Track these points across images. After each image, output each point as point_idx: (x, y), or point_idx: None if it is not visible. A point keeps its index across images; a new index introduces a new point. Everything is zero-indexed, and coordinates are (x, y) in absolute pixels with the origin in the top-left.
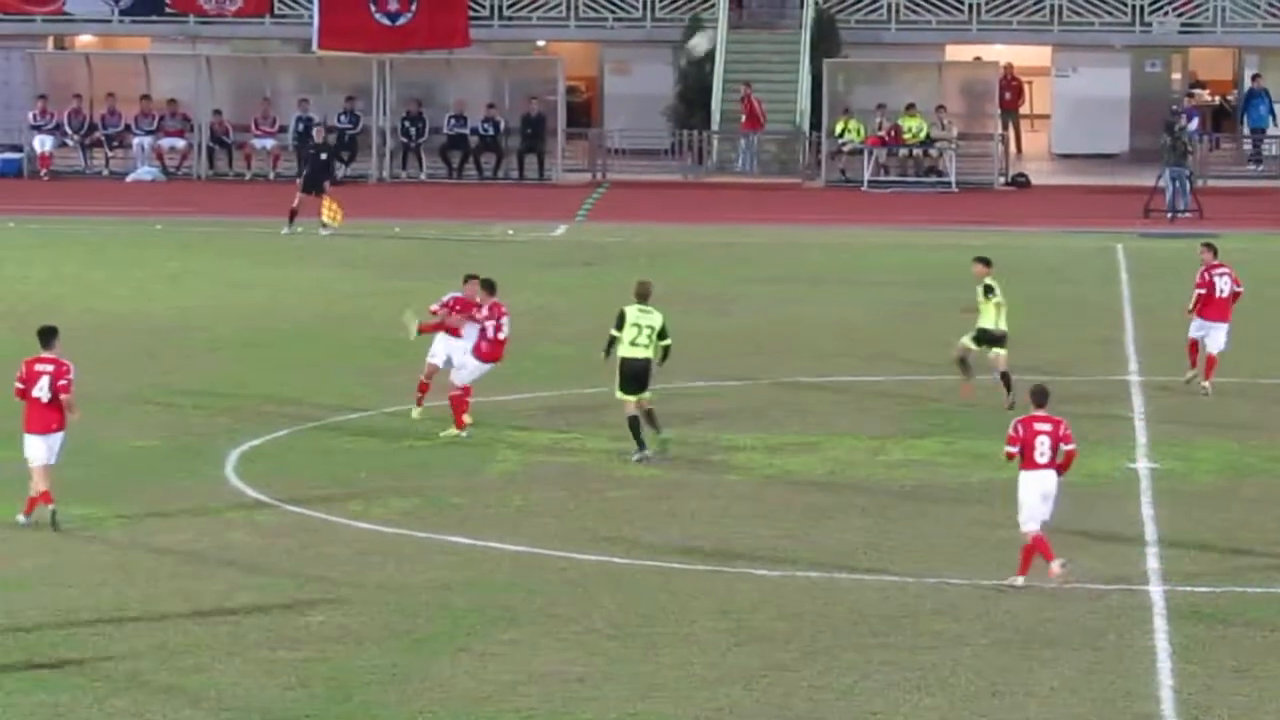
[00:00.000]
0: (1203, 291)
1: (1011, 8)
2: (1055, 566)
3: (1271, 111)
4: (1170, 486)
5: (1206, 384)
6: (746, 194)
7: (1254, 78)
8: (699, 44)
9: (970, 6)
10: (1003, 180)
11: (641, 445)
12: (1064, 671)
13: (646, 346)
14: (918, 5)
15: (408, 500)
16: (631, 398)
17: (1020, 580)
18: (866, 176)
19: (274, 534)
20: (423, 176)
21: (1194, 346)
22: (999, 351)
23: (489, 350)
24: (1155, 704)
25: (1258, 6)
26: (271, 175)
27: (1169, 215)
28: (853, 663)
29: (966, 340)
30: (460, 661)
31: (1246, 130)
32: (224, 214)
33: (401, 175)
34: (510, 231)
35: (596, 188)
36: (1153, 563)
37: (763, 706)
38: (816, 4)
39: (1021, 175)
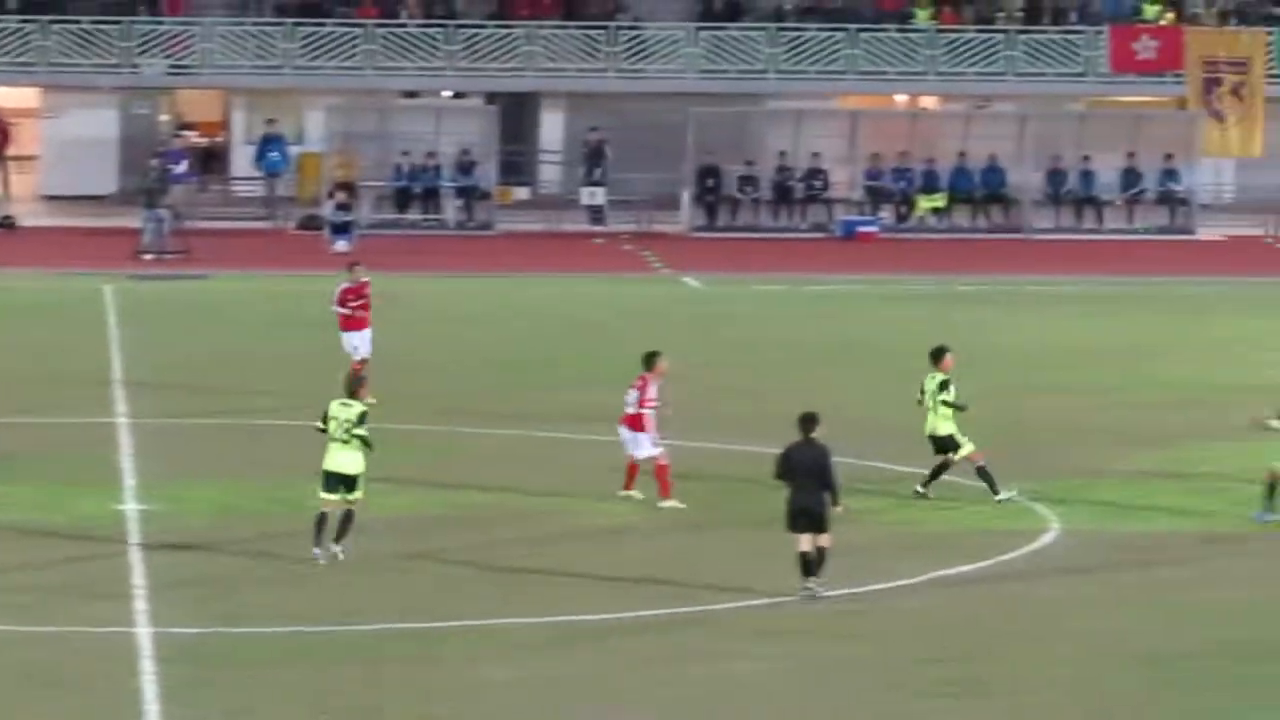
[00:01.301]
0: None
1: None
2: None
3: (284, 155)
4: (160, 528)
5: None
6: None
7: (268, 122)
8: None
9: None
10: None
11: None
12: (50, 716)
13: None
14: None
15: None
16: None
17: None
18: None
19: None
20: None
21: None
22: None
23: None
24: None
25: (245, 49)
26: None
27: (149, 256)
28: None
29: None
30: None
31: (263, 172)
32: None
33: None
34: None
35: None
36: (141, 605)
37: None
38: None
39: (9, 217)
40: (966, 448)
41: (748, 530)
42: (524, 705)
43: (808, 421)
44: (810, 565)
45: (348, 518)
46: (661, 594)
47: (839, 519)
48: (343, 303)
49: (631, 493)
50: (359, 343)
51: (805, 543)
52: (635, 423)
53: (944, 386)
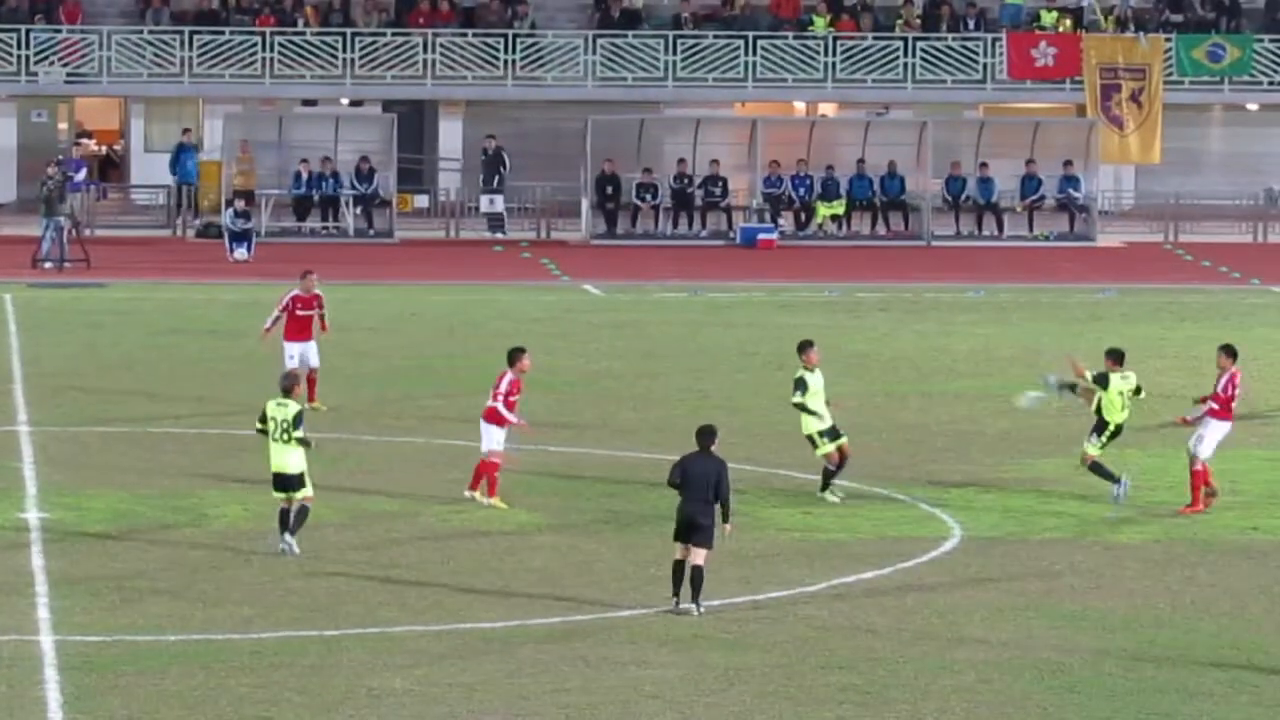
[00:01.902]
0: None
1: None
2: None
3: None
4: (61, 535)
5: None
6: None
7: (184, 131)
8: None
9: None
10: None
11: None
12: None
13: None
14: None
15: None
16: None
17: None
18: None
19: None
20: None
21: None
22: None
23: None
24: None
25: (143, 57)
26: None
27: (48, 265)
28: None
29: None
30: None
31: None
32: None
33: None
34: None
35: None
36: (43, 613)
37: None
38: None
39: None
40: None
41: (646, 537)
42: (422, 714)
43: (706, 434)
44: (682, 580)
45: (301, 512)
46: (561, 602)
47: (722, 538)
48: (289, 310)
49: (474, 494)
50: (300, 353)
51: (684, 552)
52: (490, 415)
53: (796, 385)
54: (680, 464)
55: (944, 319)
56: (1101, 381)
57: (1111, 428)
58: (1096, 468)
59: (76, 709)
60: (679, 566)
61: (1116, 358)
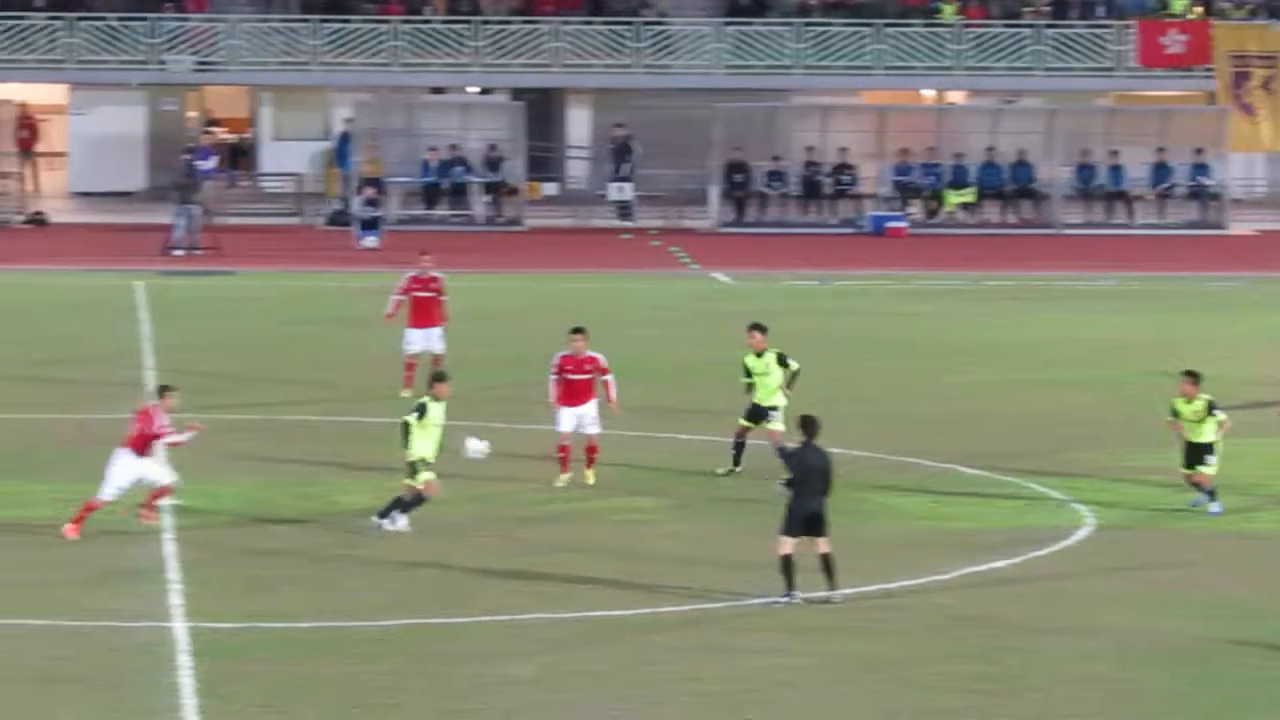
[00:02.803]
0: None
1: (26, 45)
2: None
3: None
4: (193, 524)
5: None
6: None
7: (346, 121)
8: None
9: None
10: (20, 218)
11: None
12: (86, 710)
13: None
14: None
15: None
16: None
17: None
18: None
19: None
20: None
21: None
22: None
23: None
24: None
25: (271, 45)
26: None
27: (179, 252)
28: None
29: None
30: None
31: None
32: None
33: None
34: None
35: None
36: (176, 599)
37: None
38: None
39: (40, 213)
40: (778, 424)
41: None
42: (552, 702)
43: (814, 425)
44: (796, 574)
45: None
46: (692, 590)
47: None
48: (409, 292)
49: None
50: (423, 338)
51: (792, 546)
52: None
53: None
54: (798, 459)
55: (1075, 307)
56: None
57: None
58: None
59: (209, 695)
60: (789, 561)
61: (1193, 379)
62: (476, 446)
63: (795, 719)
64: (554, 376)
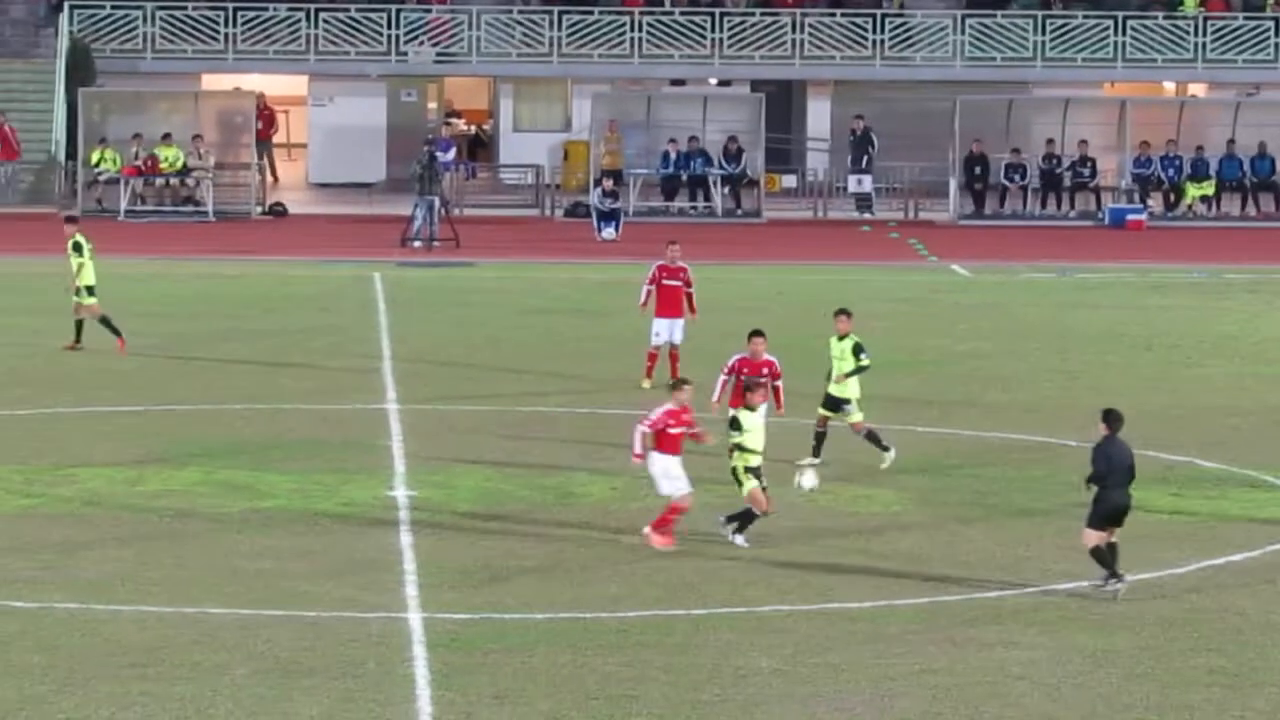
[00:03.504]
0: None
1: (267, 37)
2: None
3: None
4: (429, 515)
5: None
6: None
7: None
8: None
9: (226, 36)
10: (260, 210)
11: None
12: (323, 700)
13: None
14: (174, 35)
15: None
16: None
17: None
18: (123, 206)
19: None
20: None
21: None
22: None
23: None
24: None
25: (512, 36)
26: None
27: (417, 244)
28: (111, 694)
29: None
30: None
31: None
32: None
33: None
34: None
35: None
36: (411, 590)
37: None
38: (71, 33)
39: (279, 204)
40: (856, 415)
41: (1013, 518)
42: (789, 693)
43: (1118, 418)
44: (1114, 559)
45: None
46: (928, 583)
47: None
48: (656, 281)
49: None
50: (668, 329)
51: (1104, 537)
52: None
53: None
54: (1105, 454)
55: None
56: None
57: None
58: None
59: (444, 686)
60: (1101, 550)
61: None
62: (811, 482)
63: (1029, 712)
64: (724, 377)
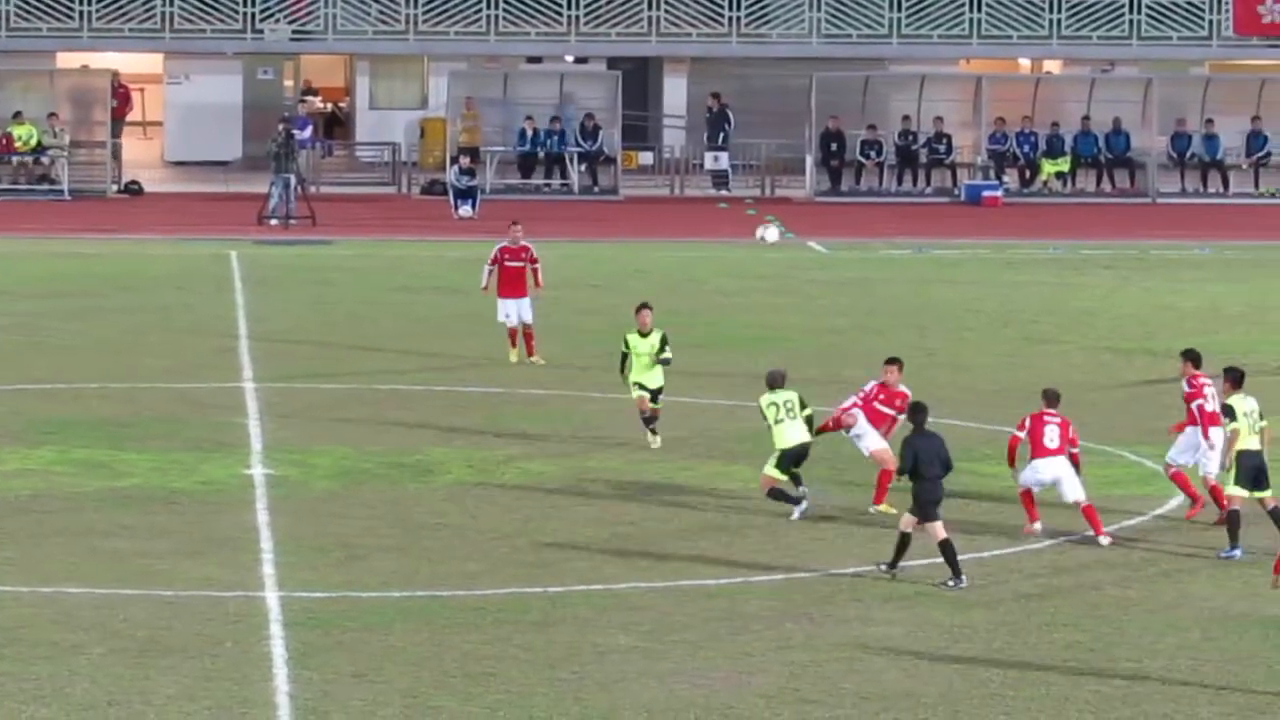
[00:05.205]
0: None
1: (122, 15)
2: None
3: None
4: (286, 493)
5: None
6: None
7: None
8: None
9: (81, 14)
10: (116, 188)
11: None
12: (181, 679)
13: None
14: (28, 13)
15: None
16: None
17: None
18: None
19: None
20: None
21: None
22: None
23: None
24: (272, 710)
25: (369, 14)
26: None
27: (274, 222)
28: None
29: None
30: None
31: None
32: None
33: None
34: None
35: None
36: (269, 569)
37: None
38: None
39: (134, 183)
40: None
41: (869, 495)
42: (647, 670)
43: (922, 412)
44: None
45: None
46: (785, 560)
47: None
48: (498, 261)
49: None
50: (515, 310)
51: (913, 525)
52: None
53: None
54: (910, 449)
55: (1170, 276)
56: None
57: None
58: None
59: (302, 665)
60: (906, 536)
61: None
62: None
63: (887, 688)
64: (857, 400)
